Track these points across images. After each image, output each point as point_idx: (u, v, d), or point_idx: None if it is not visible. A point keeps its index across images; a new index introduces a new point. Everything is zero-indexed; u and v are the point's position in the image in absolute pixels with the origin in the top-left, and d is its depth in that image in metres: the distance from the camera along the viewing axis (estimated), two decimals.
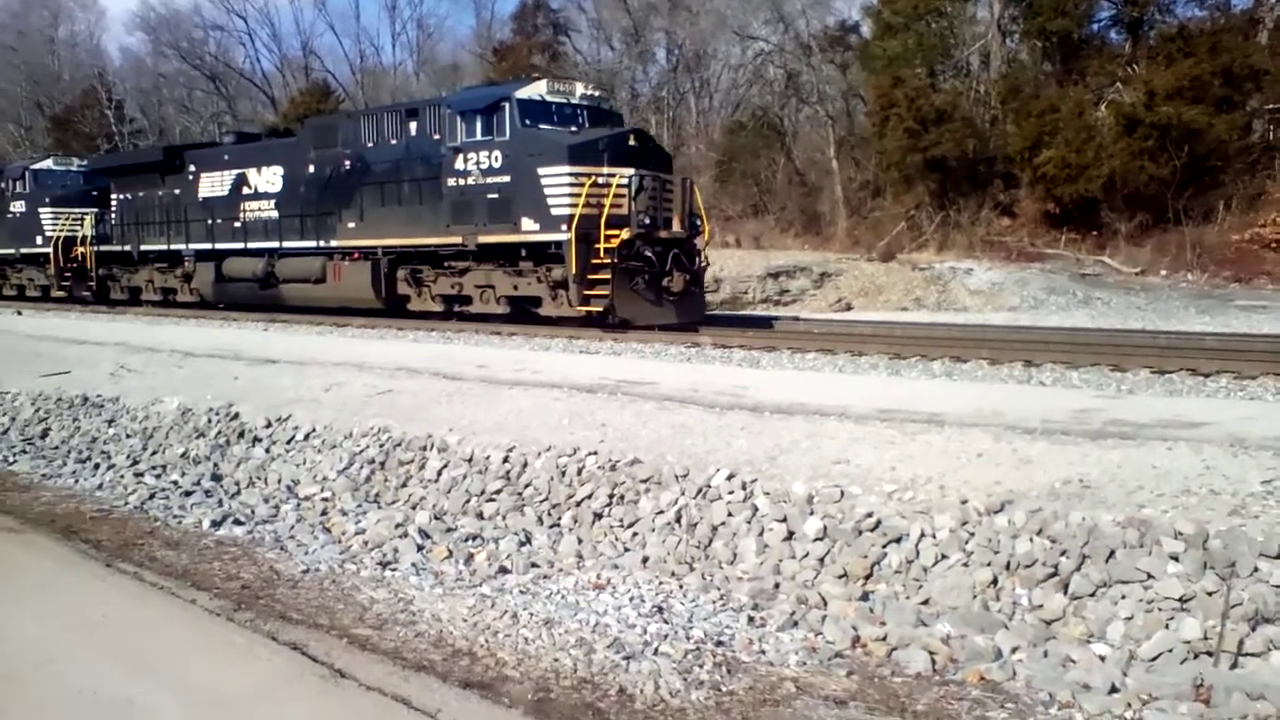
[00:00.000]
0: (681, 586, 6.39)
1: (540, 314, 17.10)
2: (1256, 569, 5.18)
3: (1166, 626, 5.17)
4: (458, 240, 17.69)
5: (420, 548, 7.30)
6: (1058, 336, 15.29)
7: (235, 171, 22.72)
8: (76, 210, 27.87)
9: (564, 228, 15.98)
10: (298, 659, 5.30)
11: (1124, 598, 5.38)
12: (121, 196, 26.26)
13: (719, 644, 5.48)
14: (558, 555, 7.10)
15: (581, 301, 16.05)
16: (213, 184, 23.35)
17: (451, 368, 11.80)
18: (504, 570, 6.83)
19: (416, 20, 63.46)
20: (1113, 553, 5.55)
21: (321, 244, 20.43)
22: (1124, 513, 5.73)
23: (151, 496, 8.94)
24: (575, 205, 15.83)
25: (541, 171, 16.33)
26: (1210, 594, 5.17)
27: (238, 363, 13.39)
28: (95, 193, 27.87)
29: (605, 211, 15.77)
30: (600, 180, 16.03)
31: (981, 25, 35.88)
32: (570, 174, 16.06)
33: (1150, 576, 5.38)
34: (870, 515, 6.40)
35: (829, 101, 41.43)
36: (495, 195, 17.05)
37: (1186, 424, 7.41)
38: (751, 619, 5.85)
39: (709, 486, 7.18)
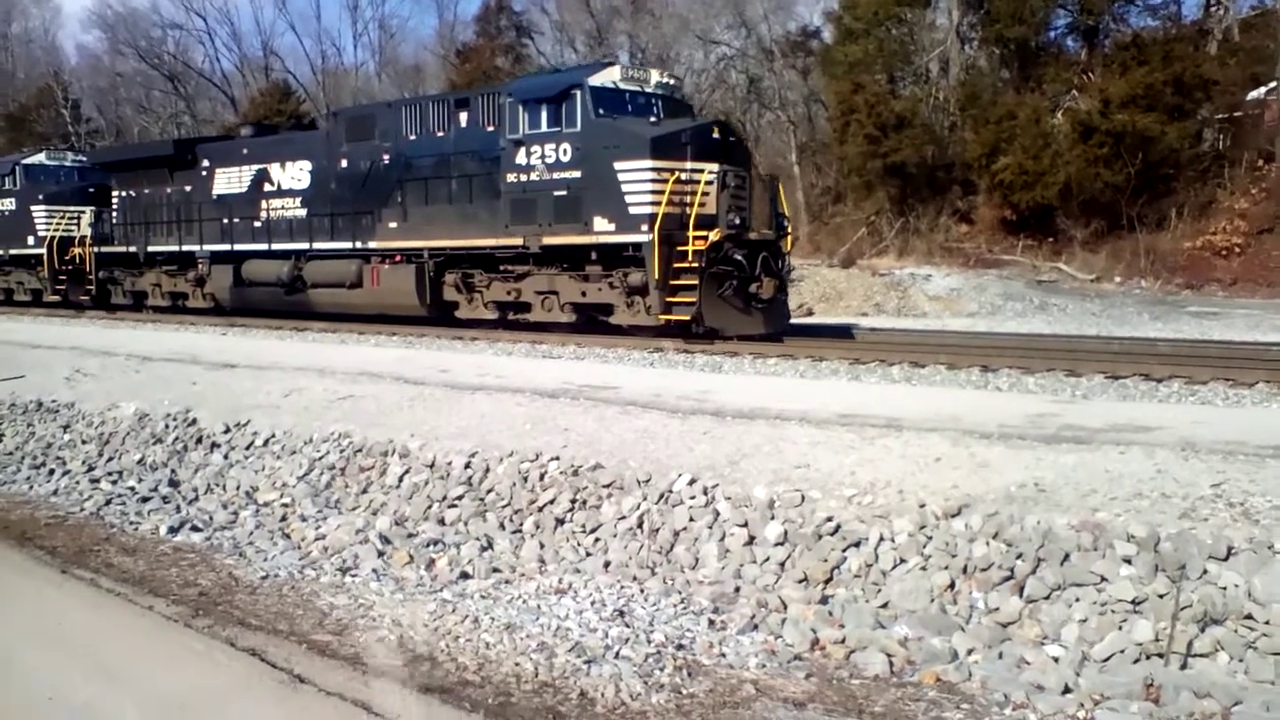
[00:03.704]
0: (643, 591, 6.42)
1: (611, 323, 15.66)
2: (1205, 571, 5.30)
3: (1119, 628, 5.27)
4: (518, 242, 16.13)
5: (381, 553, 7.28)
6: (1014, 342, 15.46)
7: (255, 167, 21.01)
8: (73, 208, 26.00)
9: (644, 228, 14.56)
10: (257, 665, 5.27)
11: (1078, 600, 5.47)
12: (124, 193, 24.33)
13: (680, 647, 5.52)
14: (520, 560, 7.11)
15: (664, 309, 14.63)
16: (229, 180, 21.61)
17: (414, 372, 11.75)
18: (465, 575, 6.83)
19: (378, 21, 62.74)
20: (1067, 556, 5.65)
21: (358, 245, 18.79)
22: (1078, 516, 5.83)
23: (108, 503, 8.86)
24: (658, 203, 14.44)
25: (619, 166, 14.90)
26: (1161, 596, 5.27)
27: (196, 367, 13.26)
28: (93, 189, 26.14)
29: (694, 210, 14.50)
30: (684, 176, 14.72)
31: (941, 32, 36.22)
32: (652, 169, 14.63)
33: (1103, 579, 5.48)
34: (830, 519, 6.46)
35: (791, 107, 41.69)
36: (563, 192, 15.57)
37: (1139, 428, 7.55)
38: (712, 622, 5.90)
39: (671, 491, 7.21)
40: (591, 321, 16.13)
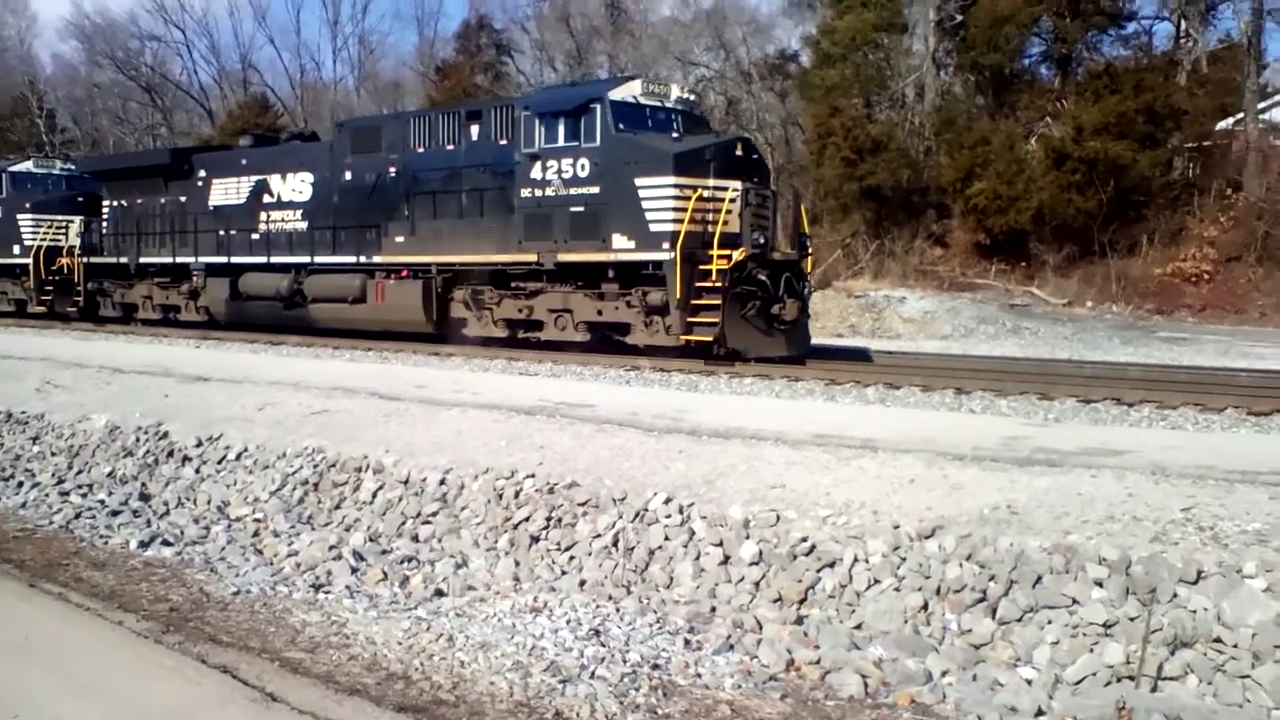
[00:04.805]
0: (619, 610, 6.40)
1: (628, 343, 15.33)
2: (1176, 595, 5.34)
3: (1091, 651, 5.32)
4: (532, 258, 15.77)
5: (354, 570, 7.24)
6: (988, 365, 15.55)
7: (254, 178, 20.55)
8: (61, 217, 25.46)
9: (666, 246, 14.25)
10: (228, 682, 5.22)
11: (1050, 622, 5.51)
12: (116, 203, 23.74)
13: (655, 667, 5.51)
14: (494, 578, 7.08)
15: (685, 330, 14.33)
16: (227, 191, 21.17)
17: (389, 387, 11.70)
18: (440, 593, 6.80)
19: (358, 36, 62.71)
20: (1039, 578, 5.69)
21: (362, 260, 18.38)
22: (1050, 539, 5.88)
23: (77, 516, 8.76)
24: (680, 221, 14.14)
25: (640, 182, 14.62)
26: (1132, 619, 5.32)
27: (168, 379, 13.15)
28: (82, 198, 25.60)
29: (717, 229, 14.25)
30: (706, 194, 14.48)
31: (917, 58, 36.61)
32: (675, 185, 14.36)
33: (1075, 602, 5.52)
34: (805, 540, 6.48)
35: (768, 129, 41.95)
36: (580, 208, 15.26)
37: (1111, 452, 7.62)
38: (688, 642, 5.89)
39: (646, 510, 7.21)
40: (606, 341, 15.81)
